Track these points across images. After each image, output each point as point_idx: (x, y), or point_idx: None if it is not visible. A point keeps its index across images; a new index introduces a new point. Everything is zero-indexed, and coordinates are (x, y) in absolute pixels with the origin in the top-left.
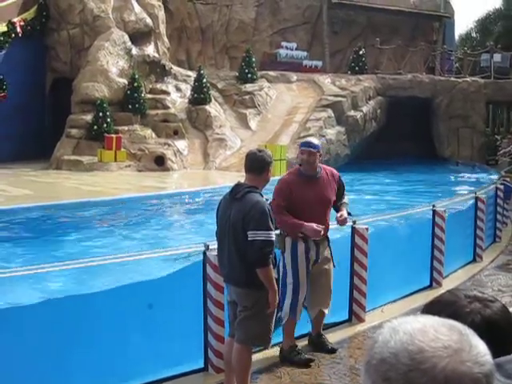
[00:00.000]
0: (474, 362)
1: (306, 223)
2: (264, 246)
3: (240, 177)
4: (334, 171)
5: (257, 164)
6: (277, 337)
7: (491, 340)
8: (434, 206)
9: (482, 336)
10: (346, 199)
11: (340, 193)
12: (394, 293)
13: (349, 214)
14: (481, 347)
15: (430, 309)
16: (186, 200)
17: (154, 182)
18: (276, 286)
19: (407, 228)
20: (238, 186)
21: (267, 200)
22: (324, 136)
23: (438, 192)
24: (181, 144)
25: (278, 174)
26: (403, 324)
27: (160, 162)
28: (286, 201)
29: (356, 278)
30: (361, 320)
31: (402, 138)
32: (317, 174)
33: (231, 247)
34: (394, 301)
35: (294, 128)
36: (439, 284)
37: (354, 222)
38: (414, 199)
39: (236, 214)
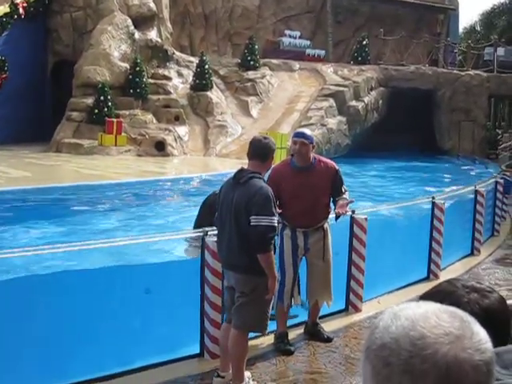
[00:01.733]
0: (475, 349)
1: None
2: (267, 231)
3: (240, 164)
4: (330, 163)
5: (262, 150)
6: (272, 324)
7: (489, 330)
8: (433, 198)
9: (480, 327)
10: (346, 195)
11: (336, 186)
12: (391, 284)
13: (345, 212)
14: (482, 334)
15: (429, 299)
16: (186, 186)
17: (153, 167)
18: (275, 271)
19: (406, 219)
20: (241, 171)
21: None
22: (325, 125)
23: (438, 184)
24: (181, 130)
25: (278, 161)
26: (405, 310)
27: (160, 148)
28: (273, 190)
29: (353, 267)
30: (357, 310)
31: (403, 130)
32: (310, 166)
33: (232, 232)
34: (391, 292)
35: (296, 116)
36: (436, 276)
37: (353, 212)
38: (413, 191)
39: (239, 199)
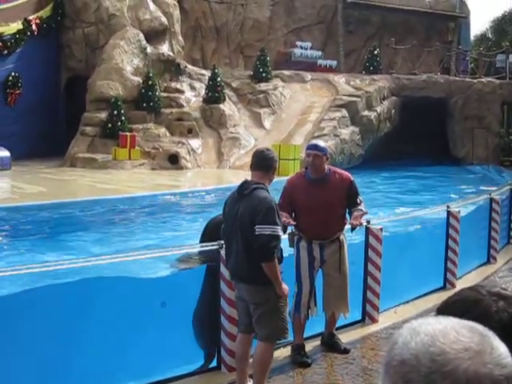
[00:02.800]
0: (496, 364)
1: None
2: (270, 240)
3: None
4: (345, 174)
5: (265, 161)
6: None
7: None
8: (448, 206)
9: (509, 335)
10: (362, 206)
11: (351, 197)
12: (408, 294)
13: (360, 224)
14: (502, 349)
15: (452, 308)
16: (200, 199)
17: (167, 181)
18: (281, 280)
19: (421, 229)
20: (245, 182)
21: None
22: (338, 136)
23: (452, 193)
24: (195, 143)
25: (291, 173)
26: (424, 325)
27: (174, 161)
28: (286, 201)
29: (369, 278)
30: (374, 320)
31: (416, 139)
32: (324, 177)
33: (239, 244)
34: (407, 302)
35: (308, 128)
36: (453, 285)
37: (368, 222)
38: (427, 200)
39: (244, 210)
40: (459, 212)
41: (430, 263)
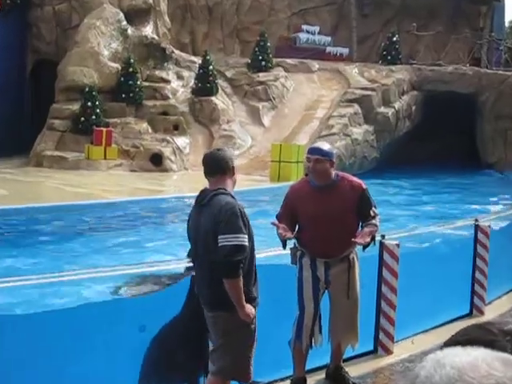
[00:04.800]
0: None
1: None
2: (234, 251)
3: (250, 180)
4: (356, 182)
5: (219, 163)
6: (288, 368)
7: None
8: (476, 220)
9: None
10: (376, 220)
11: (363, 209)
12: (428, 321)
13: (372, 239)
14: None
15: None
16: (186, 206)
17: (149, 185)
18: (244, 302)
19: (445, 245)
20: (202, 191)
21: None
22: (349, 135)
23: (481, 204)
24: (181, 141)
25: (294, 178)
26: (450, 356)
27: (157, 162)
28: (287, 211)
29: (384, 302)
30: (388, 352)
31: (440, 140)
32: (331, 184)
33: (204, 262)
34: (427, 330)
35: (315, 125)
36: (481, 312)
37: (383, 237)
38: (453, 212)
39: (205, 223)
40: (489, 227)
41: (454, 286)
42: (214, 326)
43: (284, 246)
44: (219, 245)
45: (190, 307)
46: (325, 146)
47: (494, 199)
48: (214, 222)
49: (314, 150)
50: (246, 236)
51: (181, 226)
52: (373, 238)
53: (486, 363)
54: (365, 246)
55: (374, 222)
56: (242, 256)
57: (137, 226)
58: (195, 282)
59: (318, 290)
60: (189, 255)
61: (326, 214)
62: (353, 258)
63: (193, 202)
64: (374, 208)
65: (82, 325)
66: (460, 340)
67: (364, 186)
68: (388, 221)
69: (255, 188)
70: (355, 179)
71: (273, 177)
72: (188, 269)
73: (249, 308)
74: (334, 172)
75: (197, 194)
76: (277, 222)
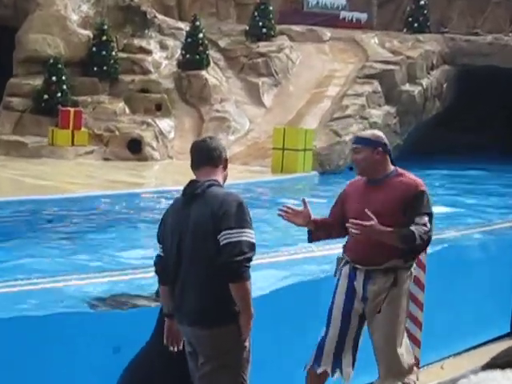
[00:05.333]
0: None
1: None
2: (243, 249)
3: (247, 171)
4: (414, 182)
5: (211, 152)
6: None
7: None
8: None
9: None
10: (416, 228)
11: (408, 213)
12: (461, 342)
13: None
14: None
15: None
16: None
17: (125, 176)
18: (252, 308)
19: (482, 251)
20: (193, 181)
21: None
22: (367, 118)
23: None
24: (165, 124)
25: (300, 169)
26: (487, 382)
27: (135, 148)
28: (336, 209)
29: (408, 320)
30: None
31: (478, 125)
32: (380, 181)
33: (188, 268)
34: (459, 353)
35: (326, 106)
36: None
37: None
38: (492, 210)
39: (200, 217)
40: None
41: (492, 300)
42: (208, 346)
43: (309, 239)
44: (222, 242)
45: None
46: (367, 132)
47: None
48: (213, 216)
49: (354, 138)
50: (254, 232)
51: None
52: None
53: None
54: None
55: (412, 228)
56: (252, 254)
57: (109, 227)
58: (169, 296)
59: (351, 304)
60: (157, 264)
61: (359, 215)
62: (400, 274)
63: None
64: (423, 216)
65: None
66: (499, 363)
67: (421, 188)
68: None
69: (254, 181)
70: (414, 178)
71: (275, 167)
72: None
73: (253, 317)
74: (391, 166)
75: (182, 187)
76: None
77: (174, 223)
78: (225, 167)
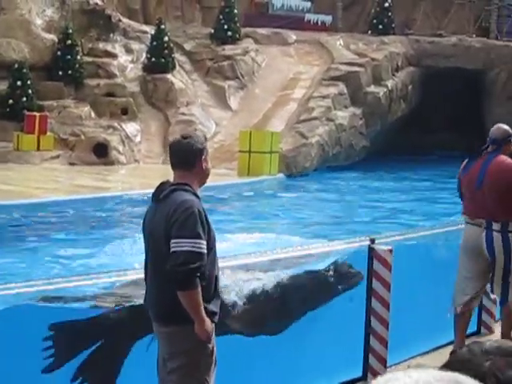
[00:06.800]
0: None
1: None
2: (189, 259)
3: (213, 175)
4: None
5: (183, 154)
6: None
7: None
8: None
9: None
10: None
11: None
12: (427, 342)
13: None
14: None
15: (447, 370)
16: (137, 206)
17: (91, 181)
18: (204, 315)
19: (448, 251)
20: (161, 184)
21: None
22: (333, 120)
23: None
24: (131, 128)
25: (267, 171)
26: (391, 381)
27: (101, 153)
28: None
29: (374, 319)
30: None
31: (442, 126)
32: None
33: (152, 268)
34: (427, 353)
35: (292, 108)
36: (490, 330)
37: (373, 241)
38: (457, 211)
39: (157, 221)
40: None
41: None
42: (169, 344)
43: None
44: (170, 250)
45: None
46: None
47: None
48: (166, 222)
49: None
50: (205, 242)
51: (129, 231)
52: None
53: None
54: None
55: None
56: (197, 264)
57: (75, 231)
58: (146, 294)
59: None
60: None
61: None
62: None
63: (145, 200)
64: None
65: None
66: (451, 360)
67: None
68: (380, 220)
69: (219, 184)
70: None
71: (241, 170)
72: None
73: (208, 323)
74: None
75: (150, 190)
76: None
77: (145, 225)
78: (201, 169)
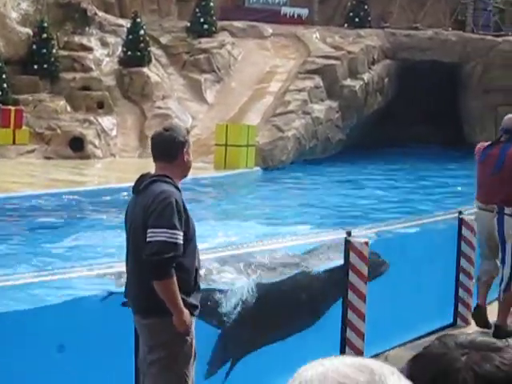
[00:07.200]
0: None
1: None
2: (162, 249)
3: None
4: None
5: (164, 146)
6: None
7: None
8: (460, 212)
9: None
10: None
11: None
12: (404, 333)
13: None
14: None
15: (415, 365)
16: (114, 200)
17: (67, 175)
18: (182, 306)
19: (423, 243)
20: (142, 176)
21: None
22: (310, 113)
23: (466, 194)
24: (107, 121)
25: (243, 165)
26: (305, 371)
27: (77, 147)
28: None
29: (351, 311)
30: None
31: (419, 119)
32: None
33: (131, 259)
34: (404, 344)
35: (268, 101)
36: (466, 321)
37: (349, 234)
38: (433, 204)
39: (137, 212)
40: (475, 220)
41: (435, 291)
42: (149, 337)
43: None
44: (147, 240)
45: None
46: None
47: None
48: (144, 214)
49: None
50: (181, 233)
51: (107, 224)
52: None
53: (337, 373)
54: None
55: None
56: (171, 254)
57: (50, 226)
58: (126, 286)
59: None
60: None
61: None
62: None
63: (123, 194)
64: None
65: None
66: (420, 354)
67: None
68: (356, 213)
69: (196, 177)
70: None
71: (218, 163)
72: None
73: (186, 315)
74: None
75: (127, 184)
76: None
77: (126, 216)
78: (183, 161)
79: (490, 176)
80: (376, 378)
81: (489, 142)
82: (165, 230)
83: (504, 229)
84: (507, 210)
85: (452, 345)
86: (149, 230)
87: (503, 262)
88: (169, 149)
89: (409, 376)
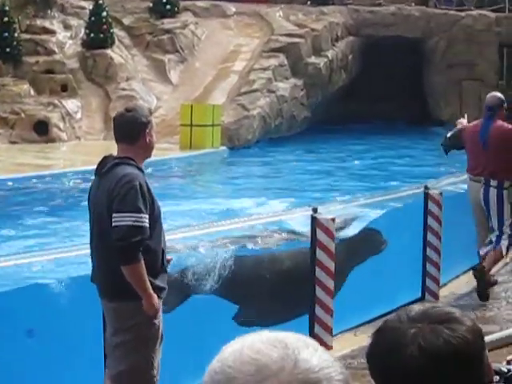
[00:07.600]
0: (301, 382)
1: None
2: (129, 233)
3: (155, 149)
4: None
5: (126, 127)
6: None
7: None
8: (426, 187)
9: (426, 377)
10: None
11: None
12: (372, 309)
13: None
14: (314, 361)
15: (373, 340)
16: (80, 183)
17: (33, 159)
18: (151, 290)
19: (389, 219)
20: (104, 158)
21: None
22: (274, 92)
23: (432, 170)
24: (71, 104)
25: (209, 145)
26: (226, 348)
27: (42, 130)
28: None
29: (319, 288)
30: (327, 347)
31: (383, 95)
32: None
33: (96, 243)
34: (373, 320)
35: (232, 80)
36: (435, 296)
37: (315, 211)
38: (398, 180)
39: (100, 195)
40: (441, 194)
41: (402, 266)
42: (115, 319)
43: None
44: (112, 225)
45: None
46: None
47: (447, 163)
48: (108, 197)
49: None
50: (146, 216)
51: (73, 208)
52: None
53: (250, 349)
54: None
55: None
56: (138, 238)
57: (15, 211)
58: (92, 270)
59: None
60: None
61: None
62: None
63: (88, 176)
64: None
65: None
66: (380, 328)
67: None
68: (322, 190)
69: (161, 158)
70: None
71: (183, 144)
72: None
73: (155, 298)
74: None
75: (91, 167)
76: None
77: (89, 199)
78: (146, 143)
79: (477, 151)
80: (289, 352)
81: (474, 122)
82: (130, 213)
83: (489, 199)
84: (493, 183)
85: (404, 318)
86: (114, 215)
87: (491, 229)
88: (131, 130)
89: (369, 350)
